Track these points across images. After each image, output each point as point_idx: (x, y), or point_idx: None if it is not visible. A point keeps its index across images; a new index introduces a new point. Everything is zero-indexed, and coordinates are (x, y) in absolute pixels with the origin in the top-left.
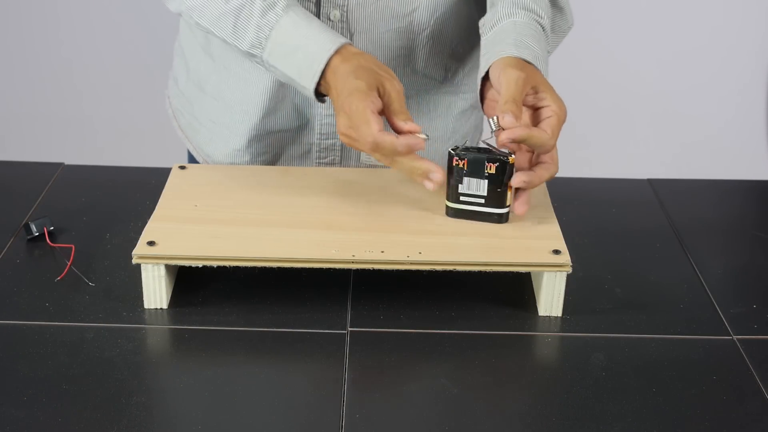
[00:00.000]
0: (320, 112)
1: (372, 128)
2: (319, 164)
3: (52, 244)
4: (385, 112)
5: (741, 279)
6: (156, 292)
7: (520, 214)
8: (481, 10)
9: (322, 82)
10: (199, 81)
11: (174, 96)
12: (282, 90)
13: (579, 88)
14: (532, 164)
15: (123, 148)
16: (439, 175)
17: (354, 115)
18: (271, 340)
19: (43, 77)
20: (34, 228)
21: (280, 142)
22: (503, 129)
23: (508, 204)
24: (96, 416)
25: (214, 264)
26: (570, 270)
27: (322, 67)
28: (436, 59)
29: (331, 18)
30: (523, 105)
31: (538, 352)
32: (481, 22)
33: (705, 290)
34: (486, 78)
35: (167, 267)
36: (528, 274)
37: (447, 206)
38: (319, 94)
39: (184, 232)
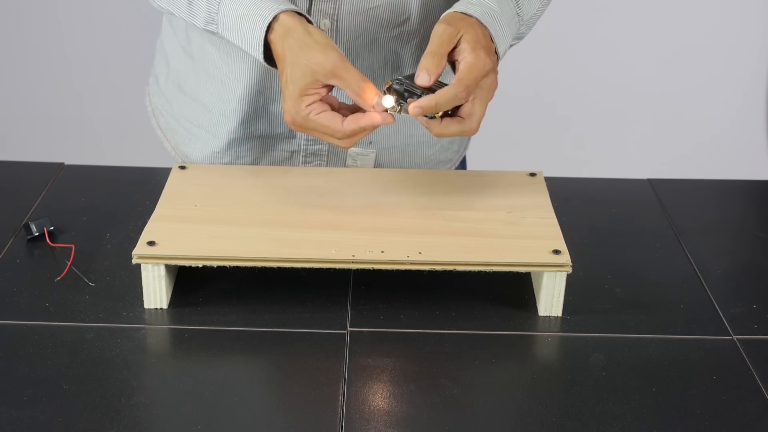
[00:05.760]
0: None
1: (337, 129)
2: (304, 165)
3: (52, 244)
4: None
5: (741, 279)
6: (156, 292)
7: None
8: None
9: (271, 51)
10: (178, 81)
11: (154, 94)
12: (261, 96)
13: (580, 88)
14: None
15: (123, 148)
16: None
17: (308, 124)
18: (271, 340)
19: (43, 77)
20: (34, 228)
21: (262, 146)
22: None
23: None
24: (96, 416)
25: (214, 264)
26: (570, 270)
27: (261, 43)
28: None
29: (322, 27)
30: (449, 60)
31: (538, 352)
32: None
33: (705, 290)
34: None
35: (167, 267)
36: (528, 274)
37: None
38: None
39: (184, 232)
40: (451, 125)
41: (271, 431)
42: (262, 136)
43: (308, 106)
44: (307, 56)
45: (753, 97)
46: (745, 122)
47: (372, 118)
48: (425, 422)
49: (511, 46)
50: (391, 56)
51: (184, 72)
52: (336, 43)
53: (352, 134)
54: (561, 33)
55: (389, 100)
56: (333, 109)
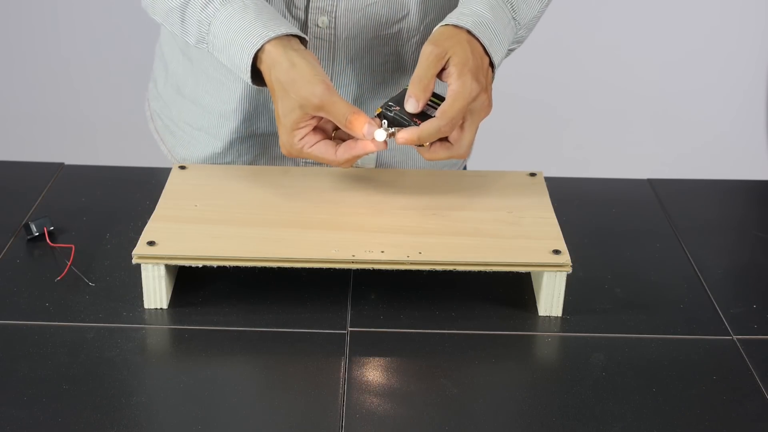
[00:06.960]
0: None
1: (331, 159)
2: (305, 165)
3: (52, 244)
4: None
5: (741, 279)
6: (156, 292)
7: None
8: None
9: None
10: (177, 84)
11: (152, 98)
12: (261, 94)
13: (580, 88)
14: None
15: (123, 148)
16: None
17: (303, 155)
18: (271, 340)
19: (42, 77)
20: (34, 228)
21: (262, 144)
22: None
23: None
24: (96, 416)
25: (214, 264)
26: (570, 270)
27: (249, 71)
28: None
29: (319, 24)
30: (441, 80)
31: (538, 352)
32: None
33: (705, 290)
34: None
35: (167, 267)
36: (528, 274)
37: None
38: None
39: (184, 232)
40: (439, 151)
41: (271, 431)
42: (264, 134)
43: (301, 139)
44: (294, 91)
45: (753, 97)
46: (745, 122)
47: (364, 146)
48: (425, 422)
49: (511, 50)
50: (391, 55)
51: (183, 74)
52: (334, 41)
53: (346, 161)
54: (561, 33)
55: (381, 134)
56: (327, 134)
